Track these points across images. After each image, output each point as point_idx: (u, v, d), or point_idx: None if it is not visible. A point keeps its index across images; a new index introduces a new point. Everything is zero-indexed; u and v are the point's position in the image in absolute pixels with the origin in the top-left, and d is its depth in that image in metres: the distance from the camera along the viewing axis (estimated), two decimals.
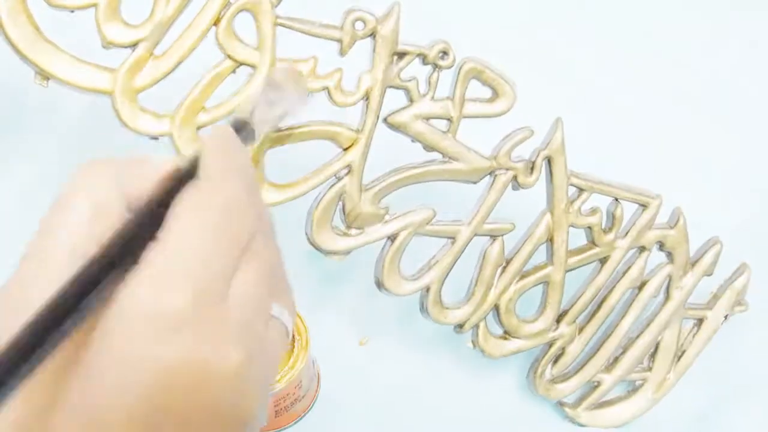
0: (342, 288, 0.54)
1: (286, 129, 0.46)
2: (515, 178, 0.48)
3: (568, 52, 0.57)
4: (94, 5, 0.43)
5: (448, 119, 0.48)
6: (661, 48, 0.59)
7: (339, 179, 0.47)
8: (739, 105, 0.59)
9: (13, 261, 0.48)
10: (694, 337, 0.52)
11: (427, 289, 0.48)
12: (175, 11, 0.44)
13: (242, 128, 0.35)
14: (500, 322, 0.50)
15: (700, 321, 0.52)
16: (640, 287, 0.51)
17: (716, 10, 0.60)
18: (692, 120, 0.58)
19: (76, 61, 0.44)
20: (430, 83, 0.47)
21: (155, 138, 0.45)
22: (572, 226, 0.50)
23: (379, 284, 0.48)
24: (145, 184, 0.28)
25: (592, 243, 0.50)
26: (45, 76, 0.44)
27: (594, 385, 0.52)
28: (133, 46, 0.44)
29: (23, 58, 0.43)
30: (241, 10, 0.45)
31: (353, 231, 0.48)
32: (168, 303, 0.26)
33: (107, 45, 0.44)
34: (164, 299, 0.26)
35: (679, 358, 0.52)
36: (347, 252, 0.48)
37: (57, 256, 0.27)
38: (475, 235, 0.49)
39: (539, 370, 0.51)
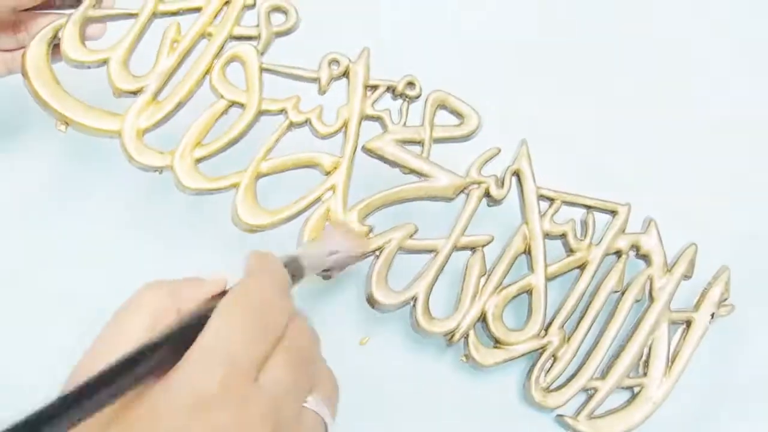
0: (343, 288, 0.55)
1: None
2: (487, 192, 0.52)
3: (558, 74, 0.62)
4: (106, 61, 0.51)
5: (420, 143, 0.53)
6: (640, 54, 0.63)
7: (324, 202, 0.51)
8: (720, 108, 0.62)
9: (13, 260, 0.52)
10: (684, 339, 0.53)
11: (415, 301, 0.51)
12: (175, 62, 0.52)
13: (292, 264, 0.41)
14: (489, 332, 0.52)
15: (688, 324, 0.53)
16: (623, 292, 0.53)
17: (700, 11, 0.64)
18: (669, 124, 0.62)
19: (89, 108, 0.51)
20: (401, 112, 0.53)
21: (159, 171, 0.51)
22: (547, 235, 0.53)
23: (370, 298, 0.51)
24: (196, 301, 0.35)
25: (570, 251, 0.53)
26: (64, 121, 0.51)
27: (590, 394, 0.53)
28: (138, 92, 0.51)
29: (45, 107, 0.51)
30: (232, 59, 0.52)
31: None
32: (199, 383, 0.31)
33: (118, 94, 0.51)
34: (196, 380, 0.31)
35: (673, 361, 0.53)
36: None
37: (121, 347, 0.33)
38: (456, 248, 0.52)
39: (533, 379, 0.52)
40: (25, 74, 0.51)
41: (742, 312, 0.54)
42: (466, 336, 0.52)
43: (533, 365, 0.52)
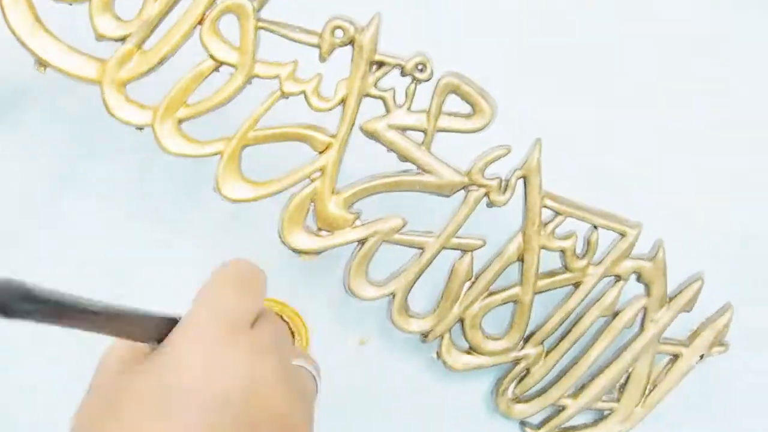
0: (337, 284, 0.54)
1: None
2: (488, 195, 0.48)
3: (559, 73, 0.57)
4: None
5: (423, 131, 0.48)
6: (649, 68, 0.58)
7: (313, 181, 0.48)
8: (720, 108, 0.58)
9: (12, 259, 0.52)
10: (667, 372, 0.51)
11: (393, 297, 0.49)
12: (161, 9, 0.47)
13: None
14: (465, 337, 0.50)
15: (675, 357, 0.51)
16: (614, 316, 0.50)
17: (701, 10, 0.59)
18: (669, 124, 0.58)
19: (70, 50, 0.47)
20: (407, 95, 0.48)
21: (140, 128, 0.48)
22: (544, 248, 0.49)
23: (346, 287, 0.49)
24: None
25: (565, 268, 0.50)
26: (43, 63, 0.47)
27: (558, 410, 0.52)
28: (123, 40, 0.47)
29: (23, 45, 0.47)
30: (225, 12, 0.47)
31: (323, 233, 0.49)
32: (213, 329, 0.33)
33: (99, 38, 0.47)
34: (210, 327, 0.33)
35: (650, 391, 0.51)
36: (316, 252, 0.49)
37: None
38: (444, 248, 0.49)
39: (502, 388, 0.51)
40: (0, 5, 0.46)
41: (741, 313, 0.51)
42: (441, 335, 0.50)
43: (505, 375, 0.51)
